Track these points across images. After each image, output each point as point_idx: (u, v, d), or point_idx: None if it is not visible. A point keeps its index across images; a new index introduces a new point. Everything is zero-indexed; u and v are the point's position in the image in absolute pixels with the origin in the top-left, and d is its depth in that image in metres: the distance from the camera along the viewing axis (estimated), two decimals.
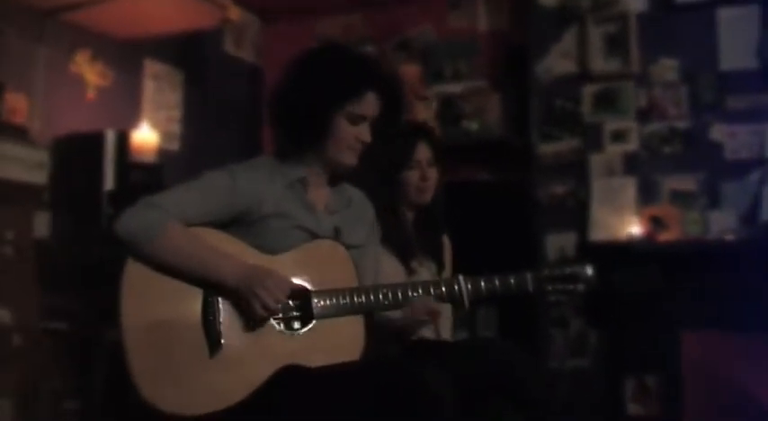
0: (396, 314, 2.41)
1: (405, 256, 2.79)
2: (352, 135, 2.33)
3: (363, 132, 2.35)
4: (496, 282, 2.34)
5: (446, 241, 3.00)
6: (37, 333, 3.63)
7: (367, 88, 2.34)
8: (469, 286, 2.34)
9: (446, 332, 2.84)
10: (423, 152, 2.87)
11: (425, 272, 2.85)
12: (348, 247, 2.34)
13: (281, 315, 2.20)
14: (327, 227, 2.36)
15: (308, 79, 2.33)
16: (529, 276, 2.35)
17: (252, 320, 2.17)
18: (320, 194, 2.41)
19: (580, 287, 2.36)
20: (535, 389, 2.39)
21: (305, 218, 2.32)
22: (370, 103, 2.35)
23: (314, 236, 2.31)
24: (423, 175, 2.85)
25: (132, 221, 2.17)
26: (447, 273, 2.94)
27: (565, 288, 2.36)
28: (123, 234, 2.16)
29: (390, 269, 2.69)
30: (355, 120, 2.33)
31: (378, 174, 2.77)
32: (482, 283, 2.34)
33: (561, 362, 4.27)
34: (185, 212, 2.21)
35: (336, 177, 2.44)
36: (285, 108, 2.35)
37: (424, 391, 2.01)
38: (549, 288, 2.36)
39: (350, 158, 2.36)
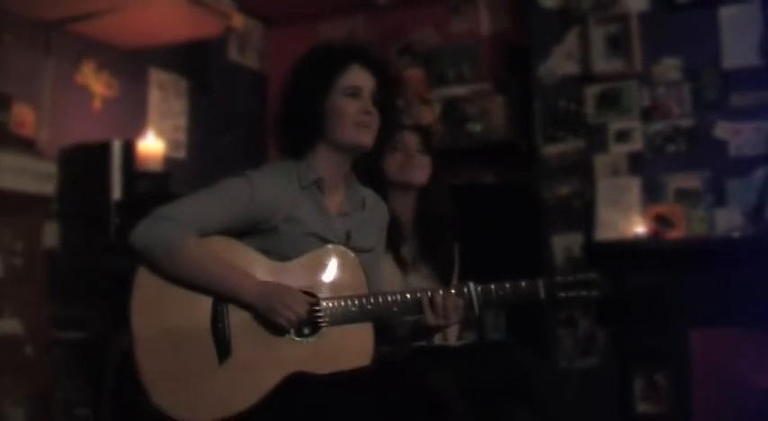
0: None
1: (395, 247, 2.69)
2: (353, 109, 2.32)
3: (364, 104, 2.33)
4: (508, 289, 2.32)
5: (456, 252, 2.88)
6: (48, 342, 3.65)
7: (350, 60, 2.35)
8: (480, 293, 2.31)
9: (453, 337, 2.84)
10: (408, 137, 2.79)
11: (419, 277, 2.76)
12: (359, 251, 2.32)
13: None
14: (340, 231, 2.35)
15: (295, 78, 2.37)
16: (541, 283, 2.32)
17: (272, 334, 2.18)
18: (335, 196, 2.39)
19: (594, 293, 2.34)
20: (546, 390, 2.39)
21: (317, 223, 2.31)
22: (358, 74, 2.35)
23: (326, 241, 2.29)
24: (408, 153, 2.76)
25: (148, 235, 2.16)
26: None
27: (578, 294, 2.33)
28: (139, 247, 2.16)
29: (386, 268, 2.62)
30: (349, 92, 2.33)
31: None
32: (493, 290, 2.31)
33: (570, 362, 4.27)
34: (201, 224, 2.20)
35: (352, 174, 2.42)
36: (286, 113, 2.36)
37: (430, 394, 2.02)
38: (562, 295, 2.33)
39: (363, 136, 2.33)
